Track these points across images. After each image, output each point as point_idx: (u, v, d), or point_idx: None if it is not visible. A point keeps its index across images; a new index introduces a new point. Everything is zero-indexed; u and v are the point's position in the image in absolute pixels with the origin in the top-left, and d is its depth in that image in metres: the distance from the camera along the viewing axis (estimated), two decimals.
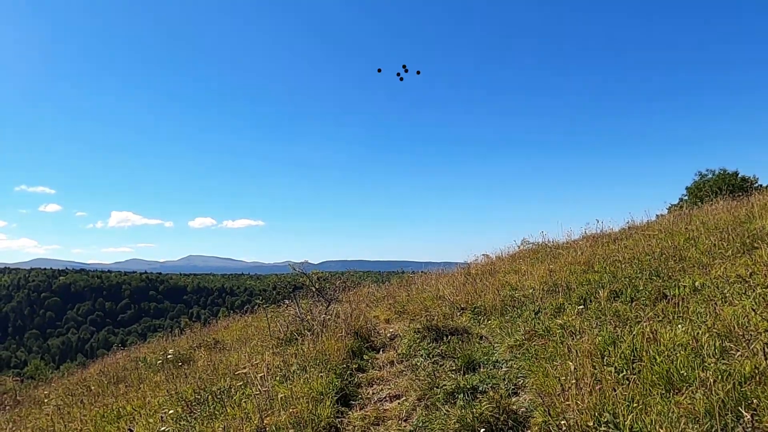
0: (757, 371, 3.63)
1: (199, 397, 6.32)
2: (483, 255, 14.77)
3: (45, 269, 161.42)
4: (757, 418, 3.00)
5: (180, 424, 5.50)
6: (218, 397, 6.07)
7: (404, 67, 6.64)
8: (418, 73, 7.35)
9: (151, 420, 6.11)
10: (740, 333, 4.41)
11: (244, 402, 5.59)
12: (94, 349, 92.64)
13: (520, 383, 5.29)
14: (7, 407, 11.86)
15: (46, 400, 10.14)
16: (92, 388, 10.18)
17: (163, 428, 5.16)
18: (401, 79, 7.06)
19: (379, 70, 6.76)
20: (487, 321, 7.98)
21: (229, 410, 5.47)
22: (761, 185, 21.05)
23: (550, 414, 4.04)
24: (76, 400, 9.33)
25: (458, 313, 8.84)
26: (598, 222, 13.68)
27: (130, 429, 5.05)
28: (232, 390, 6.23)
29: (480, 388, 5.15)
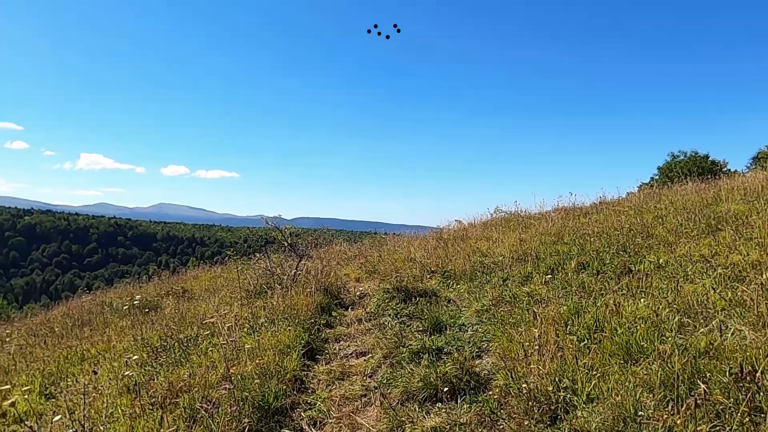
0: (712, 347, 3.78)
1: (165, 344, 6.31)
2: (456, 221, 14.90)
3: (9, 208, 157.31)
4: (708, 390, 3.13)
5: (145, 369, 5.50)
6: (184, 344, 6.07)
7: (375, 26, 6.54)
8: (399, 31, 7.16)
9: (115, 364, 6.09)
10: (699, 310, 4.56)
11: (211, 351, 5.61)
12: (58, 291, 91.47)
13: (484, 347, 5.40)
14: None
15: (8, 339, 10.01)
16: (56, 329, 10.09)
17: (127, 372, 5.15)
18: (387, 37, 6.91)
19: (369, 31, 6.61)
20: (456, 285, 8.09)
21: (195, 358, 5.48)
22: (729, 170, 21.54)
23: (512, 377, 4.15)
24: (39, 341, 9.24)
25: (428, 276, 8.94)
26: (571, 195, 13.87)
27: (94, 371, 5.03)
28: (199, 339, 6.24)
29: (445, 350, 5.26)
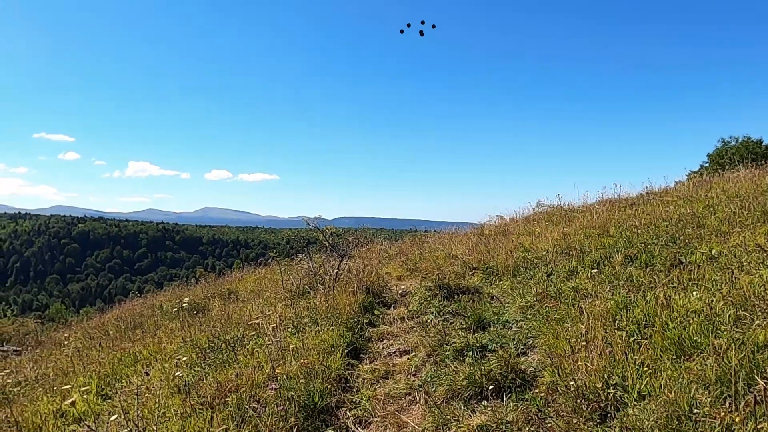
0: None
1: (213, 344, 6.46)
2: (497, 216, 14.70)
3: (64, 216, 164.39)
4: None
5: (194, 370, 5.65)
6: (231, 345, 6.20)
7: (408, 25, 6.51)
8: (433, 27, 7.12)
9: (166, 365, 6.28)
10: (756, 302, 4.36)
11: (257, 351, 5.71)
12: (112, 295, 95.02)
13: (529, 343, 5.31)
14: (29, 347, 12.27)
15: (66, 342, 10.45)
16: (110, 332, 10.46)
17: (178, 373, 5.29)
18: (422, 33, 6.87)
19: (402, 31, 6.60)
20: (499, 281, 7.99)
21: (241, 358, 5.59)
22: None
23: (558, 374, 4.07)
24: (95, 343, 9.60)
25: (470, 273, 8.86)
26: (615, 186, 13.43)
27: (146, 372, 5.20)
28: (245, 339, 6.36)
29: (489, 347, 5.19)
